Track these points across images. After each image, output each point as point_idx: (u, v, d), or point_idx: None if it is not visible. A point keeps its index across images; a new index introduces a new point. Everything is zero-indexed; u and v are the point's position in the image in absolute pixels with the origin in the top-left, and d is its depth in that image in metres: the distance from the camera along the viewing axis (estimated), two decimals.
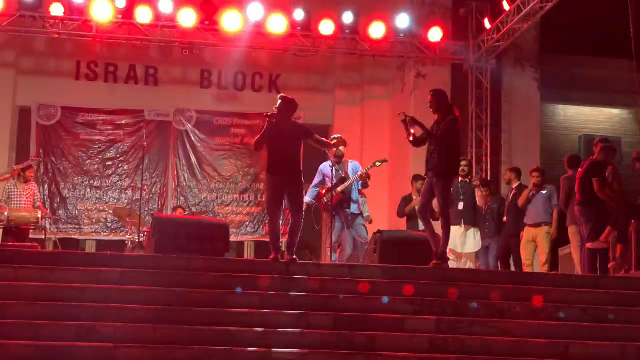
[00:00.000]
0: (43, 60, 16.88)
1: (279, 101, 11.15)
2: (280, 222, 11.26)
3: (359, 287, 9.82)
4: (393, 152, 14.78)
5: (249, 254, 16.64)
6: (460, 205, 13.88)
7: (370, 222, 13.65)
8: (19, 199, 13.83)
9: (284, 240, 11.40)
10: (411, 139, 11.34)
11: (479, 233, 14.15)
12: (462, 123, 16.47)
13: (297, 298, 9.45)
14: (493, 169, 15.84)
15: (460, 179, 13.95)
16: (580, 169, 12.54)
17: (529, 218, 13.90)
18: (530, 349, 8.91)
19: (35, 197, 14.15)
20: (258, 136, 11.05)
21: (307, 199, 12.69)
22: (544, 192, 13.85)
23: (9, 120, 16.55)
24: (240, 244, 16.75)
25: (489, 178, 15.66)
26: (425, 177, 11.41)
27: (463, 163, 14.15)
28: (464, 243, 13.96)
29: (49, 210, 15.84)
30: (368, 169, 12.96)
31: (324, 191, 13.10)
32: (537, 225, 13.82)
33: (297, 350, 8.51)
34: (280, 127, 10.90)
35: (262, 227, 16.83)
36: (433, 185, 11.07)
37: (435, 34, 16.30)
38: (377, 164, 13.14)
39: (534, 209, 13.84)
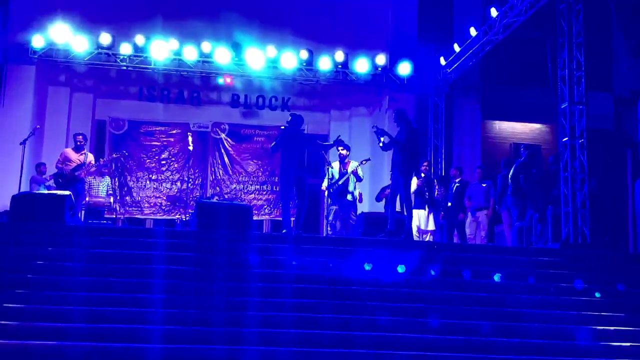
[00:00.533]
0: (115, 86, 16.81)
1: (290, 117, 11.17)
2: (290, 206, 11.21)
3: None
4: (372, 154, 14.67)
5: (266, 229, 16.57)
6: (426, 195, 13.81)
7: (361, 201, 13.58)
8: (97, 189, 13.78)
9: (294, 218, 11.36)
10: (381, 145, 11.35)
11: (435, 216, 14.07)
12: (423, 134, 16.58)
13: (301, 260, 9.38)
14: (447, 168, 15.77)
15: (423, 175, 13.87)
16: (511, 169, 12.55)
17: (474, 204, 13.85)
18: (476, 299, 8.86)
19: (108, 187, 14.06)
20: (274, 143, 11.05)
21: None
22: (484, 185, 13.80)
23: (89, 130, 16.45)
24: (260, 222, 16.69)
25: (443, 174, 15.56)
26: (391, 173, 11.39)
27: (425, 164, 14.11)
28: (427, 223, 13.87)
29: (118, 197, 15.82)
30: (358, 166, 12.88)
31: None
32: (479, 209, 13.77)
33: (297, 285, 8.47)
34: (291, 136, 10.87)
35: (276, 210, 16.79)
36: (397, 181, 11.04)
37: (404, 69, 16.28)
38: (364, 162, 13.09)
39: (476, 198, 13.79)
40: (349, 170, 12.87)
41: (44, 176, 14.02)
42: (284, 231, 10.81)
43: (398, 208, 11.66)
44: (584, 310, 8.87)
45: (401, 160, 10.97)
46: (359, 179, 13.01)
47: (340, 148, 12.85)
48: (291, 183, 10.92)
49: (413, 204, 13.49)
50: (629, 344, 8.26)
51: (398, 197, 11.34)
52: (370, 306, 8.40)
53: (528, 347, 8.00)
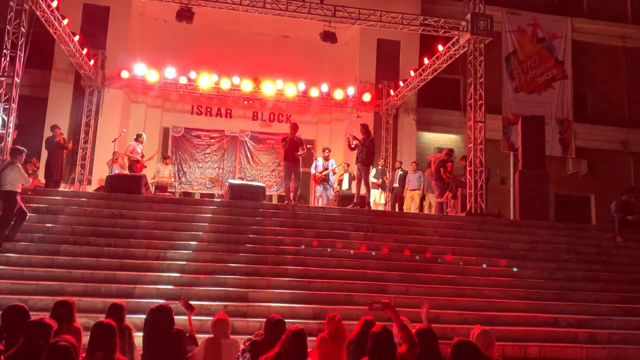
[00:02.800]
0: (175, 104, 16.69)
1: (290, 125, 11.18)
2: (290, 185, 11.24)
3: (327, 217, 9.85)
4: (345, 151, 14.68)
5: (275, 200, 16.58)
6: (379, 181, 13.86)
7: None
8: (162, 172, 13.75)
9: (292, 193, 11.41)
10: (352, 147, 11.44)
11: (385, 194, 14.10)
12: (377, 140, 16.56)
13: (297, 222, 9.46)
14: (392, 163, 15.76)
15: (380, 167, 13.92)
16: (434, 164, 12.64)
17: (410, 186, 13.86)
18: (408, 248, 8.93)
19: (170, 171, 14.02)
20: (282, 142, 11.06)
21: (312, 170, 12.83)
22: (417, 174, 13.83)
23: (158, 133, 16.39)
24: (270, 196, 16.69)
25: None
26: (356, 165, 11.46)
27: (381, 161, 14.14)
28: (381, 199, 13.90)
29: (177, 178, 15.79)
30: (336, 168, 12.99)
31: (317, 174, 13.08)
32: (414, 190, 13.81)
33: (294, 247, 8.54)
34: (291, 139, 10.88)
35: (281, 188, 16.74)
36: (361, 170, 11.16)
37: (366, 97, 16.21)
38: (339, 167, 13.15)
39: (411, 182, 13.82)
40: (329, 165, 12.98)
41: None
42: (285, 202, 10.84)
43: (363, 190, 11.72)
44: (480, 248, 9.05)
45: (364, 157, 11.10)
46: (334, 172, 13.16)
47: (325, 152, 13.01)
48: (290, 170, 10.94)
49: (371, 186, 13.64)
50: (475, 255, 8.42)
51: (362, 182, 11.43)
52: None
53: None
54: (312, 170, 13.05)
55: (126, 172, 12.41)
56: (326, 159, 13.04)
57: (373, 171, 13.58)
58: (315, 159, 12.96)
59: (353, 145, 11.41)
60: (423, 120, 16.91)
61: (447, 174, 12.19)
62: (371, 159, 11.37)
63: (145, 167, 12.65)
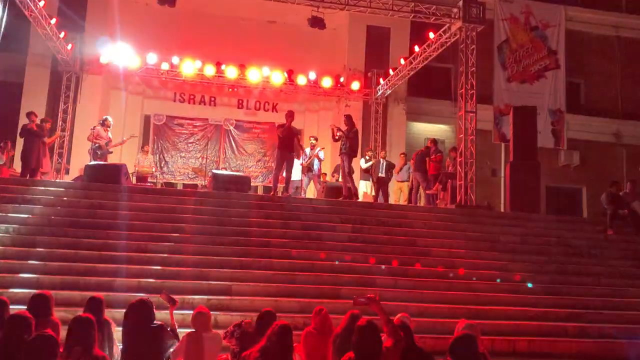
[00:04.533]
0: (157, 91, 16.52)
1: (286, 113, 11.12)
2: (280, 175, 11.18)
3: (314, 209, 9.86)
4: (332, 142, 14.69)
5: (260, 192, 16.55)
6: (369, 170, 13.89)
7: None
8: (143, 162, 13.63)
9: (281, 184, 11.38)
10: (336, 138, 11.44)
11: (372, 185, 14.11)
12: (366, 130, 16.63)
13: (283, 213, 9.44)
14: (385, 154, 15.73)
15: (367, 157, 13.93)
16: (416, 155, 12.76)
17: (399, 177, 13.90)
18: (397, 240, 8.97)
19: (151, 161, 13.93)
20: (279, 129, 10.96)
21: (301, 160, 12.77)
22: (405, 165, 13.86)
23: (138, 122, 16.22)
24: (255, 187, 16.64)
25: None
26: (340, 156, 11.44)
27: (370, 153, 14.09)
28: (369, 190, 13.91)
29: (158, 168, 15.72)
30: (315, 153, 12.89)
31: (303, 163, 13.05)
32: (402, 181, 13.85)
33: (282, 240, 8.53)
34: (285, 127, 10.84)
35: (266, 179, 16.74)
36: (344, 161, 11.17)
37: (355, 85, 16.22)
38: (320, 152, 13.06)
39: (401, 173, 13.85)
40: (315, 153, 12.92)
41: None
42: (272, 193, 10.80)
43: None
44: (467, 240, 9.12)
45: (348, 147, 11.10)
46: (321, 160, 13.06)
47: (312, 141, 12.92)
48: (283, 160, 10.89)
49: (361, 177, 13.66)
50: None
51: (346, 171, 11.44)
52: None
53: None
54: (300, 160, 13.02)
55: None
56: (312, 147, 12.97)
57: (362, 160, 13.62)
58: (303, 149, 12.92)
59: (337, 137, 11.41)
60: (413, 110, 16.94)
61: (432, 166, 12.24)
62: (355, 151, 11.34)
63: (111, 152, 12.34)
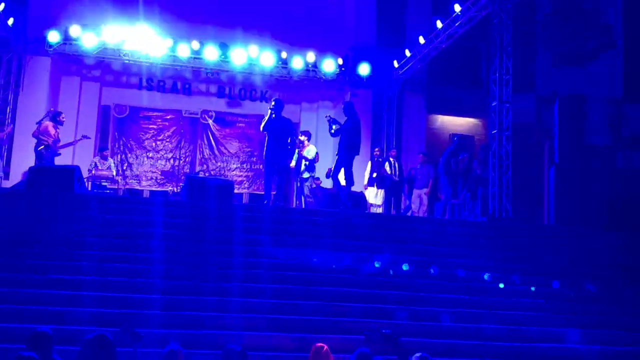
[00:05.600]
0: (118, 76, 16.60)
1: (274, 102, 11.09)
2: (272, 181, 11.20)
3: (313, 222, 9.88)
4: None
5: (244, 200, 16.58)
6: (373, 175, 13.90)
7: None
8: (101, 165, 13.65)
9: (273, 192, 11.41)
10: (332, 131, 11.46)
11: (382, 192, 14.14)
12: (377, 124, 16.70)
13: (274, 227, 9.45)
14: (397, 154, 15.78)
15: (376, 158, 13.96)
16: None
17: (418, 184, 13.92)
18: (417, 261, 8.99)
19: (111, 164, 13.96)
20: (263, 123, 10.96)
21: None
22: (425, 168, 13.87)
23: (95, 114, 16.29)
24: (240, 195, 16.69)
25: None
26: (337, 154, 11.44)
27: (377, 150, 14.15)
28: (376, 197, 13.93)
29: (120, 172, 15.76)
30: (307, 151, 12.82)
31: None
32: (420, 187, 13.86)
33: (275, 260, 8.54)
34: (275, 119, 10.83)
35: (254, 185, 16.82)
36: (343, 161, 11.16)
37: (364, 69, 16.29)
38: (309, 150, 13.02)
39: (420, 178, 13.87)
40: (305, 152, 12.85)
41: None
42: (265, 202, 10.83)
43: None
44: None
45: (347, 144, 11.09)
46: (306, 159, 12.77)
47: (302, 138, 12.87)
48: (274, 161, 10.89)
49: (367, 182, 13.69)
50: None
51: (342, 173, 11.42)
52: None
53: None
54: (293, 163, 13.02)
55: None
56: (301, 146, 12.80)
57: (368, 165, 13.65)
58: (298, 145, 12.91)
59: (333, 130, 11.41)
60: (435, 100, 17.01)
61: (463, 168, 12.29)
62: (356, 147, 11.29)
63: (59, 154, 12.34)
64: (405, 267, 8.60)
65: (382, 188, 13.91)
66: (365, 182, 13.89)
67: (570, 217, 11.24)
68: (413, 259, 8.99)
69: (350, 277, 8.34)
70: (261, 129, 11.05)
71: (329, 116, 11.66)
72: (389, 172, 13.71)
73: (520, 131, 14.16)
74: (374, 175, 13.86)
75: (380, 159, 14.07)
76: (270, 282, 7.97)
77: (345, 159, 11.10)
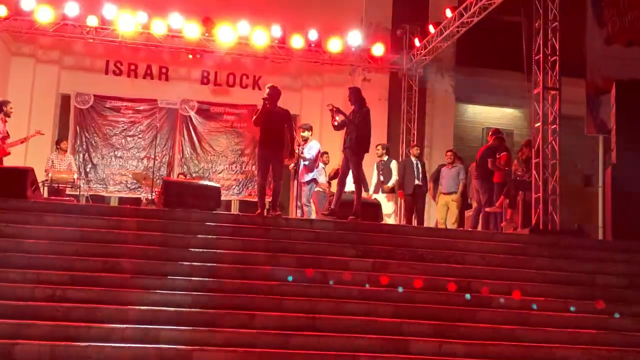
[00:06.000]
0: (80, 59, 16.66)
1: (268, 89, 11.03)
2: (267, 184, 11.14)
3: (316, 235, 9.83)
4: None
5: (234, 209, 16.59)
6: (382, 178, 13.86)
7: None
8: (59, 165, 13.73)
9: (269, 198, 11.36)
10: (335, 124, 11.39)
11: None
12: (395, 117, 16.68)
13: (269, 243, 9.41)
14: (420, 152, 15.77)
15: (385, 156, 13.94)
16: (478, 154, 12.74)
17: (443, 188, 13.95)
18: (441, 285, 8.97)
19: (72, 164, 13.98)
20: (255, 116, 10.93)
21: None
22: (454, 169, 13.90)
23: (53, 104, 16.35)
24: (228, 202, 16.70)
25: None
26: (343, 153, 11.35)
27: (379, 147, 14.06)
28: (388, 206, 13.91)
29: (82, 174, 15.81)
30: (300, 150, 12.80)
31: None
32: (449, 193, 13.87)
33: (269, 283, 8.51)
34: (270, 110, 10.79)
35: (245, 190, 16.85)
36: (349, 160, 11.07)
37: (378, 49, 16.32)
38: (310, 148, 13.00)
39: (446, 182, 13.87)
40: (304, 152, 12.80)
41: None
42: (258, 212, 10.78)
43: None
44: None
45: (355, 141, 11.00)
46: (305, 159, 12.81)
47: (300, 126, 12.90)
48: (267, 161, 10.83)
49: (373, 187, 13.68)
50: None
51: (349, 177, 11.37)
52: None
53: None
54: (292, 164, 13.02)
55: None
56: (302, 143, 12.82)
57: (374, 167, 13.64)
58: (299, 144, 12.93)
59: (337, 123, 11.34)
60: (465, 87, 17.01)
61: (501, 169, 12.24)
62: (366, 144, 11.19)
63: (8, 153, 12.32)
64: None
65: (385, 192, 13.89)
66: (371, 188, 13.85)
67: (629, 229, 11.13)
68: (440, 280, 8.96)
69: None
70: (253, 122, 11.01)
71: (332, 105, 11.53)
72: (414, 174, 13.70)
73: (570, 124, 14.15)
74: (382, 179, 13.83)
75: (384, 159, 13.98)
76: (263, 309, 7.94)
77: (354, 159, 11.01)
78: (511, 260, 9.92)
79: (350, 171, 11.20)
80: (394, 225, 12.92)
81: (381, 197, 13.82)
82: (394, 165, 13.96)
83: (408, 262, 9.38)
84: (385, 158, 14.03)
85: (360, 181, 11.23)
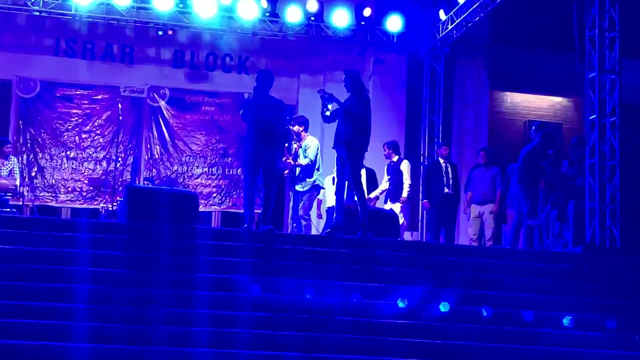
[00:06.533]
0: (24, 35, 16.63)
1: (258, 75, 11.06)
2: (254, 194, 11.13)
3: (317, 254, 9.84)
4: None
5: (216, 223, 16.56)
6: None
7: None
8: None
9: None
10: (328, 113, 11.31)
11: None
12: (415, 108, 16.66)
13: (259, 264, 9.41)
14: (449, 152, 15.74)
15: (398, 155, 13.94)
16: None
17: (476, 196, 13.91)
18: (475, 316, 8.96)
19: (15, 168, 13.96)
20: (243, 110, 10.95)
21: None
22: (489, 171, 13.87)
23: None
24: (208, 214, 16.68)
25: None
26: (334, 148, 11.28)
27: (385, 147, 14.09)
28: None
29: (26, 179, 15.78)
30: (306, 150, 12.82)
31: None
32: (482, 202, 13.84)
33: (260, 313, 8.51)
34: (261, 100, 10.80)
35: (228, 199, 16.81)
36: (344, 159, 11.01)
37: (394, 23, 16.29)
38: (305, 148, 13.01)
39: (479, 187, 13.84)
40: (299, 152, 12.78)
41: None
42: (245, 226, 10.77)
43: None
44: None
45: (351, 135, 10.92)
46: (304, 164, 12.82)
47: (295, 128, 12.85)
48: (258, 164, 10.83)
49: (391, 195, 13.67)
50: None
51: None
52: None
53: None
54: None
55: None
56: (297, 136, 12.78)
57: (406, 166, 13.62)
58: (295, 138, 12.93)
59: (329, 113, 11.28)
60: (502, 70, 17.02)
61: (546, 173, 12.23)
62: (365, 139, 11.14)
63: None
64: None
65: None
66: (376, 193, 13.85)
67: None
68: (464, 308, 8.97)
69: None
70: (242, 115, 11.01)
71: (323, 90, 11.47)
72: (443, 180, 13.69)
73: (632, 116, 14.14)
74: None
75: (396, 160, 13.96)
76: (250, 346, 7.95)
77: (351, 158, 10.95)
78: (561, 286, 9.91)
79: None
80: (415, 242, 12.90)
81: (396, 209, 13.79)
82: (405, 166, 13.86)
83: (432, 287, 9.38)
84: (396, 159, 13.99)
85: (361, 187, 11.18)
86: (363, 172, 12.87)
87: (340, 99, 11.12)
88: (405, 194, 13.74)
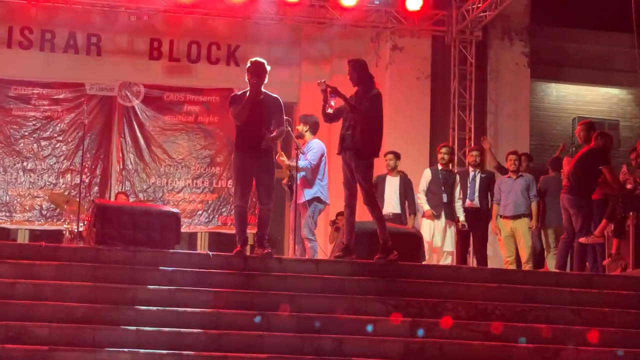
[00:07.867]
0: None
1: (249, 64, 11.02)
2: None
3: (324, 284, 9.86)
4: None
5: (202, 246, 16.59)
6: (445, 198, 13.73)
7: None
8: None
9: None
10: (330, 111, 11.21)
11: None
12: (441, 103, 16.68)
13: (253, 296, 9.43)
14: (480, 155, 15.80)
15: (440, 167, 13.91)
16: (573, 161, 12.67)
17: (506, 209, 13.83)
18: (517, 355, 8.97)
19: None
20: (238, 107, 10.92)
21: None
22: (523, 178, 13.82)
23: None
24: (193, 235, 16.72)
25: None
26: (340, 156, 11.22)
27: (443, 150, 14.06)
28: (445, 239, 13.80)
29: None
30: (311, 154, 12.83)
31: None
32: (515, 217, 13.78)
33: (255, 354, 8.54)
34: (252, 98, 10.78)
35: (217, 216, 16.82)
36: (352, 168, 10.94)
37: (414, 2, 16.28)
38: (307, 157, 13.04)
39: (511, 199, 13.77)
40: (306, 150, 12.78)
41: None
42: (235, 251, 10.79)
43: None
44: None
45: (359, 138, 10.93)
46: (302, 164, 12.76)
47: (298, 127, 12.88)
48: (250, 172, 10.87)
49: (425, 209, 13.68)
50: None
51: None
52: None
53: None
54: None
55: None
56: (299, 145, 12.84)
57: (426, 175, 13.59)
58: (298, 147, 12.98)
59: (330, 109, 11.24)
60: (546, 57, 17.05)
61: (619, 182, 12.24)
62: (375, 143, 11.12)
63: None
64: None
65: (453, 220, 13.87)
66: (424, 208, 13.88)
67: None
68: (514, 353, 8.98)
69: None
70: (236, 115, 11.01)
71: (324, 82, 11.43)
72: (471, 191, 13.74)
73: None
74: (444, 197, 13.84)
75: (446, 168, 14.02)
76: None
77: (360, 163, 10.92)
78: (619, 316, 9.92)
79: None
80: (441, 266, 12.90)
81: (438, 223, 13.74)
82: (427, 174, 13.86)
83: (465, 321, 9.41)
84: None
85: (374, 199, 11.09)
86: (395, 181, 12.97)
87: (347, 94, 11.15)
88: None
